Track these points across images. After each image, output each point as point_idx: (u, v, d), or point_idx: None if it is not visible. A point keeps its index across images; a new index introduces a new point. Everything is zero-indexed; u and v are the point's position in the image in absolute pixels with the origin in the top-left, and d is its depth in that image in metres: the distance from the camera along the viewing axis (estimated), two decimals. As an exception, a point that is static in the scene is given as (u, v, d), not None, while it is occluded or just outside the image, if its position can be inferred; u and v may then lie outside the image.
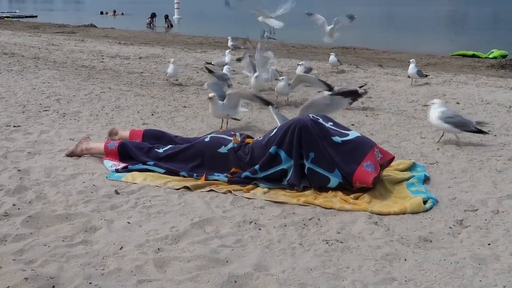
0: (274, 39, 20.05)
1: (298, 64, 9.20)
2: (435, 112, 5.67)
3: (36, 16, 37.09)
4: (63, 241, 3.33)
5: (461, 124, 5.59)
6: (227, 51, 10.88)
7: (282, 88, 7.57)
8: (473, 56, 15.76)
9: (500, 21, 47.95)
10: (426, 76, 9.77)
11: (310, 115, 4.51)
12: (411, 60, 9.66)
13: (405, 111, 7.41)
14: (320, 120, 4.45)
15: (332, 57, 10.98)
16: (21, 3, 75.35)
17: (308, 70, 9.22)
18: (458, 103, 8.01)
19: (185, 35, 22.23)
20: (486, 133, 5.71)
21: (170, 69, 9.17)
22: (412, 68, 9.44)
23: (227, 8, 9.69)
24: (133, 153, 4.80)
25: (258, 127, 6.37)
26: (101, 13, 42.16)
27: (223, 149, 4.55)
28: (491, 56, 15.93)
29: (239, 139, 4.69)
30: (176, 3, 37.56)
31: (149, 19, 31.79)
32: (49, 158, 4.97)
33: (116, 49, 14.93)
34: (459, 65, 13.64)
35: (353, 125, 6.59)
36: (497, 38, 25.06)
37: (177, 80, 9.43)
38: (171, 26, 30.22)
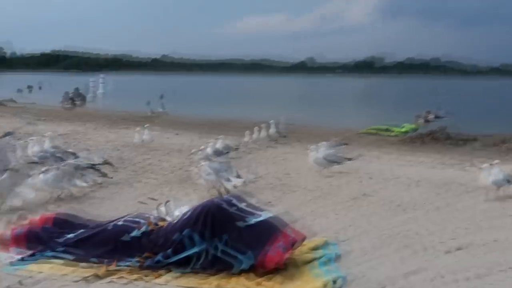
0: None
1: (208, 142, 9.15)
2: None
3: None
4: None
5: None
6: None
7: None
8: (386, 130, 16.58)
9: (413, 95, 51.04)
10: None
11: (224, 197, 4.56)
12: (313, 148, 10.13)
13: (321, 187, 7.62)
14: (234, 201, 4.50)
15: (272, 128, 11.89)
16: None
17: (219, 151, 9.12)
18: (371, 178, 8.34)
19: (108, 111, 22.09)
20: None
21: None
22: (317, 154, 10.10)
23: None
24: (41, 239, 4.60)
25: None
26: (28, 87, 41.03)
27: (135, 233, 4.47)
28: (403, 130, 16.84)
29: (153, 222, 4.64)
30: (101, 77, 37.52)
31: (70, 94, 31.32)
32: None
33: (32, 128, 14.49)
34: (374, 139, 14.33)
35: (270, 202, 6.67)
36: (410, 112, 26.57)
37: None
38: (77, 104, 28.28)
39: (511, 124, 20.54)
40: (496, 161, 7.39)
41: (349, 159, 8.95)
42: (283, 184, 7.83)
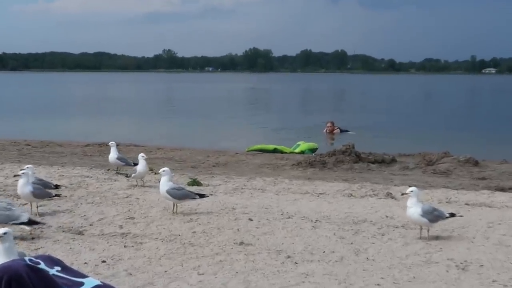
0: None
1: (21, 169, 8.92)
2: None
3: None
4: None
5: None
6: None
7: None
8: (274, 151, 16.90)
9: (308, 101, 52.96)
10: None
11: (27, 259, 4.29)
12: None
13: (180, 236, 7.50)
14: (42, 265, 4.25)
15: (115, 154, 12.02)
16: None
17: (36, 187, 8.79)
18: (251, 219, 8.35)
19: None
20: None
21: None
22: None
23: None
24: None
25: None
26: None
27: None
28: (297, 150, 17.27)
29: None
30: None
31: None
32: None
33: None
34: (257, 164, 14.51)
35: (104, 262, 6.46)
36: (306, 123, 27.23)
37: None
38: None
39: (440, 136, 21.86)
40: (411, 188, 7.68)
41: (202, 196, 8.99)
42: (124, 234, 7.62)
